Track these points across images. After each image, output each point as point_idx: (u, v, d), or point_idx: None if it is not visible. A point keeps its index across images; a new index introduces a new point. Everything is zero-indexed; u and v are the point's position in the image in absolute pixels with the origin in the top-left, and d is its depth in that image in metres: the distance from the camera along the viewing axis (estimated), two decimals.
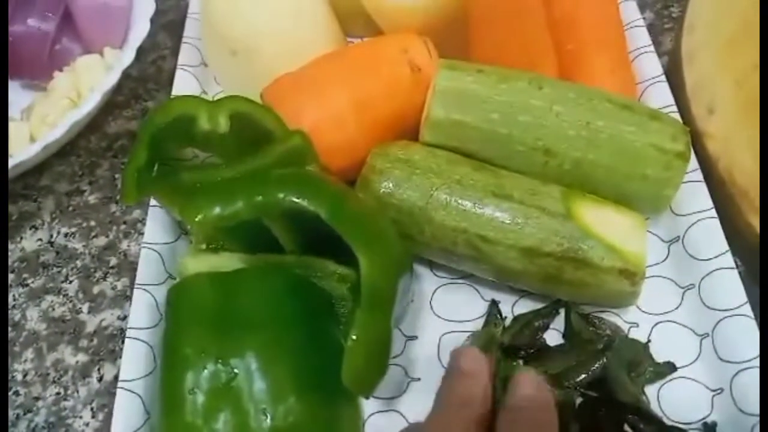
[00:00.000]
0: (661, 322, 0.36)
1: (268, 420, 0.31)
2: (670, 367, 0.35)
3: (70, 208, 0.45)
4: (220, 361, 0.31)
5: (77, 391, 0.38)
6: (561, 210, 0.34)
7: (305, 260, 0.36)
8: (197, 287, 0.33)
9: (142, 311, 0.36)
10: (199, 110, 0.34)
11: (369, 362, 0.29)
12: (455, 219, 0.34)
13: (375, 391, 0.31)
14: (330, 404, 0.33)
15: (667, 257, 0.38)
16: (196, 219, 0.30)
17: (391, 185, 0.35)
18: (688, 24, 0.44)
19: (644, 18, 0.48)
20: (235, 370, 0.31)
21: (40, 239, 0.44)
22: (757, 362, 0.33)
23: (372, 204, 0.35)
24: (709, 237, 0.36)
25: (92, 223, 0.44)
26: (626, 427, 0.32)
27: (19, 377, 0.39)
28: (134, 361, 0.35)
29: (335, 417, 0.33)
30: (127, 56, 0.43)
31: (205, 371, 0.31)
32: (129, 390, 0.34)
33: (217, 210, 0.30)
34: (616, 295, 0.34)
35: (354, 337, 0.28)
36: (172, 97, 0.40)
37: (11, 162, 0.40)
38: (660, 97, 0.41)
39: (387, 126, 0.38)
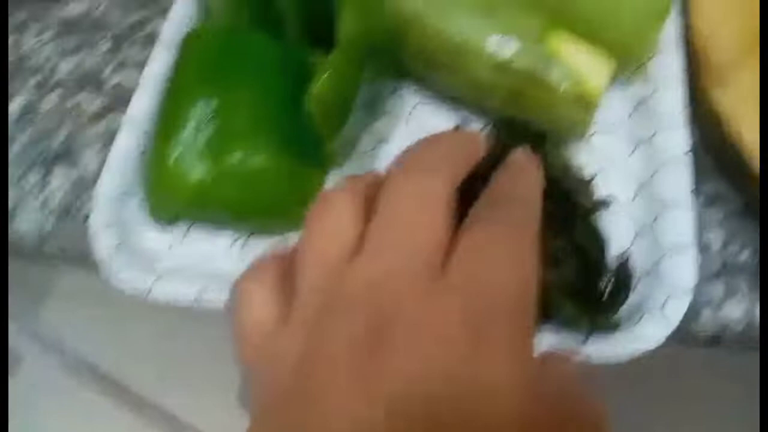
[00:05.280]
0: (608, 167, 0.40)
1: (238, 156, 0.36)
2: (607, 204, 0.38)
3: None
4: (209, 98, 0.36)
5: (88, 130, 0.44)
6: (537, 34, 0.37)
7: (307, 49, 0.40)
8: (207, 37, 0.38)
9: (159, 61, 0.41)
10: None
11: (332, 96, 0.33)
12: (444, 26, 0.38)
13: (334, 145, 0.36)
14: (298, 165, 0.37)
15: (631, 115, 0.41)
16: None
17: None
18: None
19: None
20: (220, 108, 0.36)
21: (83, 7, 0.49)
22: (683, 203, 0.36)
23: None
24: (671, 98, 0.39)
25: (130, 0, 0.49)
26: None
27: (42, 111, 0.44)
28: (144, 99, 0.40)
29: (300, 177, 0.38)
30: None
31: (195, 106, 0.36)
32: (134, 119, 0.39)
33: None
34: (568, 123, 0.37)
35: (324, 63, 0.32)
36: None
37: None
38: None
39: None
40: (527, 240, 0.23)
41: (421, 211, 0.23)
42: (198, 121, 0.36)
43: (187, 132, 0.36)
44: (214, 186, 0.36)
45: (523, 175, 0.28)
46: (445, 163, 0.25)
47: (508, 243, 0.22)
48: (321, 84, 0.31)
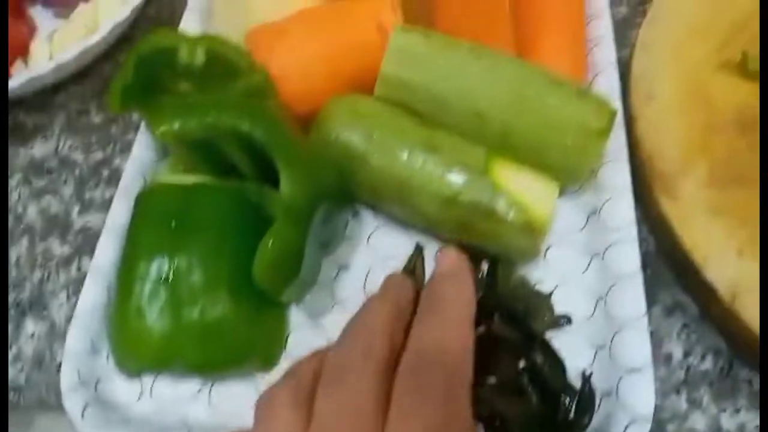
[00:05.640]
0: (565, 283, 0.40)
1: (198, 309, 0.36)
2: (566, 320, 0.39)
3: (78, 125, 0.51)
4: (167, 255, 0.37)
5: (58, 276, 0.45)
6: (481, 167, 0.38)
7: (258, 187, 0.41)
8: (161, 193, 0.39)
9: (121, 211, 0.42)
10: (179, 43, 0.39)
11: (278, 263, 0.33)
12: (388, 164, 0.39)
13: (289, 296, 0.36)
14: (257, 309, 0.38)
15: (584, 227, 0.42)
16: (158, 131, 0.35)
17: (337, 128, 0.40)
18: (650, 16, 0.47)
19: (618, 12, 0.51)
20: (179, 264, 0.37)
21: (48, 148, 0.50)
22: (638, 323, 0.36)
23: (319, 143, 0.40)
24: (621, 209, 0.40)
25: (93, 140, 0.50)
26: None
27: (13, 259, 0.45)
28: (107, 250, 0.41)
29: (260, 321, 0.38)
30: None
31: (154, 262, 0.37)
32: (98, 271, 0.40)
33: (176, 125, 0.35)
34: (519, 249, 0.38)
35: (267, 238, 0.33)
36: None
37: (29, 75, 0.46)
38: (608, 82, 0.44)
39: (349, 81, 0.43)
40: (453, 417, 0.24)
41: (351, 417, 0.24)
42: (156, 278, 0.37)
43: (147, 289, 0.37)
44: (176, 341, 0.37)
45: (447, 306, 0.28)
46: (379, 341, 0.26)
47: None
48: (264, 259, 0.32)
